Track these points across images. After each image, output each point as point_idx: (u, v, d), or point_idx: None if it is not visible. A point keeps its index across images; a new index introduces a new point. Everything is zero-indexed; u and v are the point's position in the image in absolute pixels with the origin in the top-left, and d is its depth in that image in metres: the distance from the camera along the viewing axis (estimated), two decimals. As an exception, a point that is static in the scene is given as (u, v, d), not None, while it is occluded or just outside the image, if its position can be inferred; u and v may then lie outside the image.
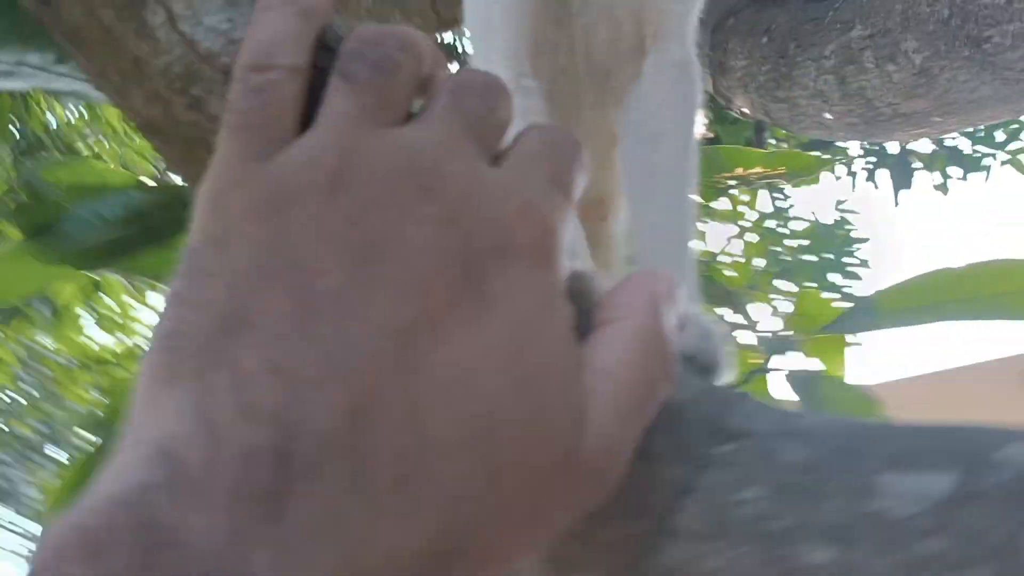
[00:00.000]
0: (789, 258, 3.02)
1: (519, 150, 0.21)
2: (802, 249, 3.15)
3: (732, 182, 0.91)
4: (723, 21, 1.67)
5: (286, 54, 0.20)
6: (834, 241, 3.16)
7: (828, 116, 1.32)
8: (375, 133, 0.19)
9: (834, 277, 3.14)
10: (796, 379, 0.86)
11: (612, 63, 0.57)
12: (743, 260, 3.43)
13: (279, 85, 0.20)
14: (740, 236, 3.43)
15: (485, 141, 0.21)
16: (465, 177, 0.19)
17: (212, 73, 0.32)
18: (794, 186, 2.91)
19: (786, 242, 3.09)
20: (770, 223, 3.21)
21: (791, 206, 3.21)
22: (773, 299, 2.97)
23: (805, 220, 3.45)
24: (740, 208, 3.32)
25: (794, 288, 3.21)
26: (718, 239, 3.38)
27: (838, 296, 2.95)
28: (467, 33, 0.62)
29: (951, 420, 0.21)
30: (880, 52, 1.12)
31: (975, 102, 1.05)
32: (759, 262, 3.30)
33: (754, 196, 3.23)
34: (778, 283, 3.12)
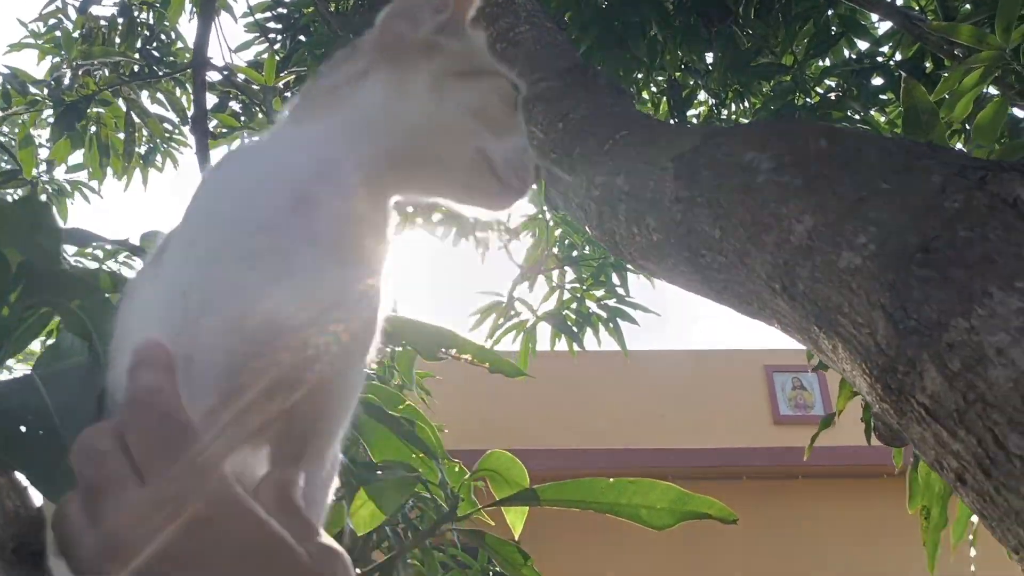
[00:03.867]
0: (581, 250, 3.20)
1: None
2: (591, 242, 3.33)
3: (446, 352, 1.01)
4: (539, 80, 1.70)
5: None
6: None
7: (587, 230, 1.43)
8: None
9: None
10: (466, 535, 1.01)
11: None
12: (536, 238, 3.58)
13: None
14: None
15: None
16: None
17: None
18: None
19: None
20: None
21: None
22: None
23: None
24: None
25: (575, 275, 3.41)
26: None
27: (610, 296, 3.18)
28: None
29: None
30: (630, 212, 1.22)
31: (691, 285, 1.19)
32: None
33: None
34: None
